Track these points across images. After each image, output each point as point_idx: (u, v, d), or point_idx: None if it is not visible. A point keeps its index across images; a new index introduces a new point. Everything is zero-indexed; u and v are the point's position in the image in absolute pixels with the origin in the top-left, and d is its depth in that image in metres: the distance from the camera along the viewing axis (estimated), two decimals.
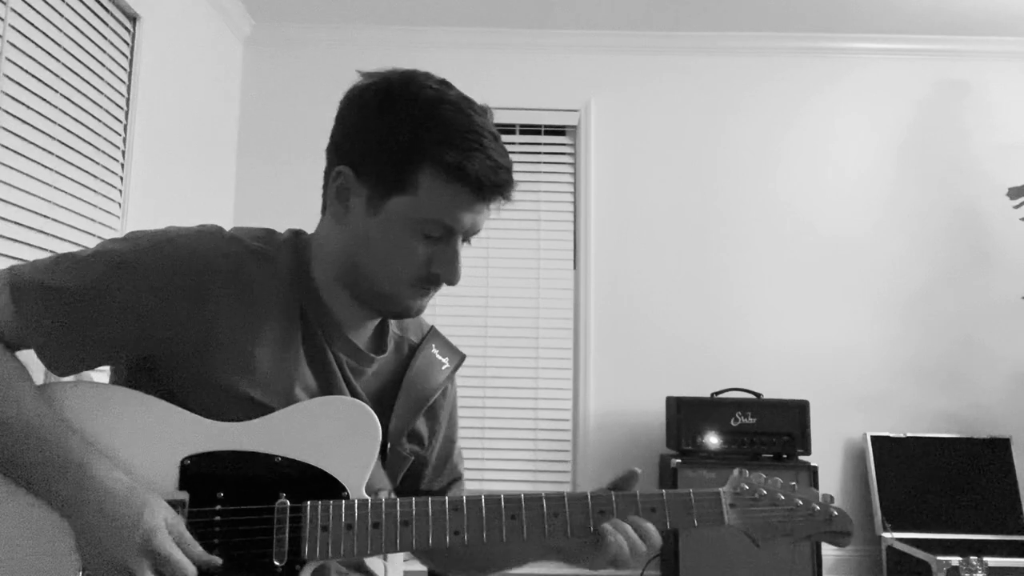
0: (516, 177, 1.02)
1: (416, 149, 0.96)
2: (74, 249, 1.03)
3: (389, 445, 1.08)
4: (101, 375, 1.06)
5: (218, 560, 0.91)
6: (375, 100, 0.99)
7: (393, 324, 1.15)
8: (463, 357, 1.20)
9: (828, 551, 3.10)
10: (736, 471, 1.08)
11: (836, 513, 1.07)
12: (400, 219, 0.98)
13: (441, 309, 3.37)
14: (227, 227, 1.06)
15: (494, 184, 0.98)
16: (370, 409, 1.01)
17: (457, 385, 1.24)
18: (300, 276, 1.04)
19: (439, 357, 1.17)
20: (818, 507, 1.07)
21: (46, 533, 0.91)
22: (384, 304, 1.04)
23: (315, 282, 1.05)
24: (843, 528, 1.07)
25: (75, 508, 0.88)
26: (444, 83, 1.01)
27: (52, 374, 0.99)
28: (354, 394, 1.07)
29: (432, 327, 1.21)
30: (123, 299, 0.95)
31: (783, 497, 1.07)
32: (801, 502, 1.07)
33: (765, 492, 1.07)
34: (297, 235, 1.09)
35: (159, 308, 0.96)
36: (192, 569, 0.88)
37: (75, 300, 0.95)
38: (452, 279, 1.01)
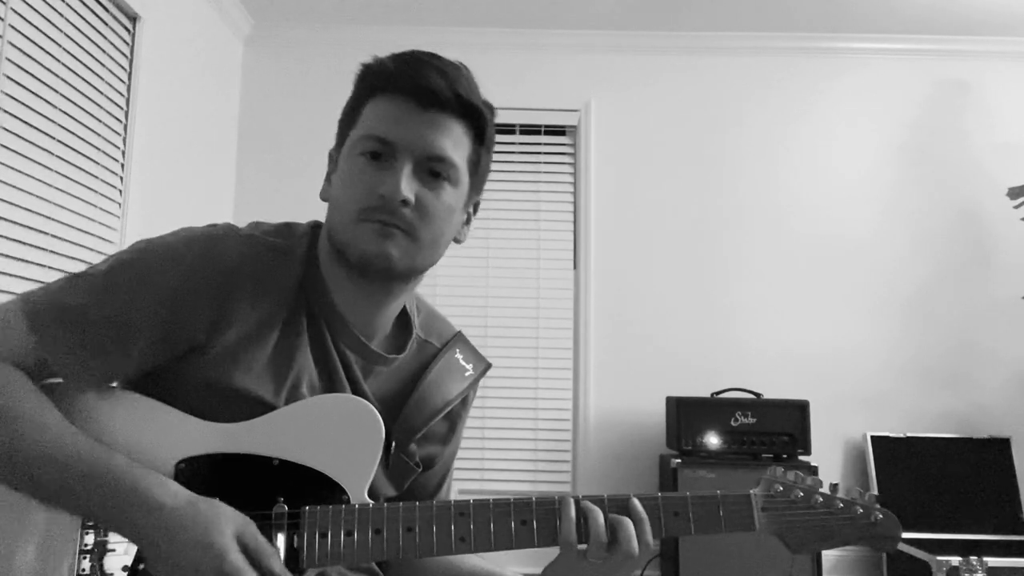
0: (484, 117, 1.04)
1: (362, 89, 1.00)
2: (74, 259, 1.03)
3: (394, 445, 1.03)
4: None
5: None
6: None
7: (417, 326, 1.11)
8: (488, 365, 1.15)
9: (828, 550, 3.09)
10: (769, 470, 0.98)
11: (881, 516, 0.97)
12: (347, 152, 1.00)
13: (442, 309, 3.36)
14: None
15: (418, 79, 0.95)
16: (372, 407, 0.97)
17: None
18: (309, 268, 1.01)
19: (463, 363, 1.12)
20: (861, 509, 0.96)
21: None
22: (349, 254, 0.96)
23: (321, 272, 1.01)
24: (889, 532, 0.96)
25: (142, 533, 0.84)
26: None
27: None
28: (359, 394, 1.02)
29: (459, 332, 1.16)
30: (143, 311, 0.92)
31: (821, 499, 0.96)
32: (842, 504, 0.96)
33: (802, 493, 0.96)
34: (316, 226, 1.05)
35: (177, 316, 0.93)
36: None
37: (95, 317, 0.91)
38: (392, 192, 0.93)
